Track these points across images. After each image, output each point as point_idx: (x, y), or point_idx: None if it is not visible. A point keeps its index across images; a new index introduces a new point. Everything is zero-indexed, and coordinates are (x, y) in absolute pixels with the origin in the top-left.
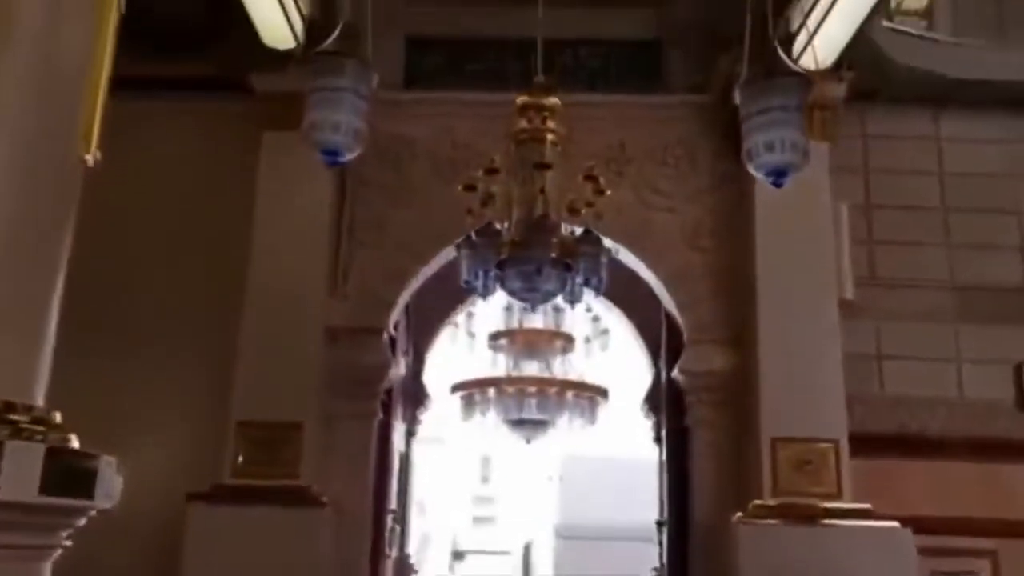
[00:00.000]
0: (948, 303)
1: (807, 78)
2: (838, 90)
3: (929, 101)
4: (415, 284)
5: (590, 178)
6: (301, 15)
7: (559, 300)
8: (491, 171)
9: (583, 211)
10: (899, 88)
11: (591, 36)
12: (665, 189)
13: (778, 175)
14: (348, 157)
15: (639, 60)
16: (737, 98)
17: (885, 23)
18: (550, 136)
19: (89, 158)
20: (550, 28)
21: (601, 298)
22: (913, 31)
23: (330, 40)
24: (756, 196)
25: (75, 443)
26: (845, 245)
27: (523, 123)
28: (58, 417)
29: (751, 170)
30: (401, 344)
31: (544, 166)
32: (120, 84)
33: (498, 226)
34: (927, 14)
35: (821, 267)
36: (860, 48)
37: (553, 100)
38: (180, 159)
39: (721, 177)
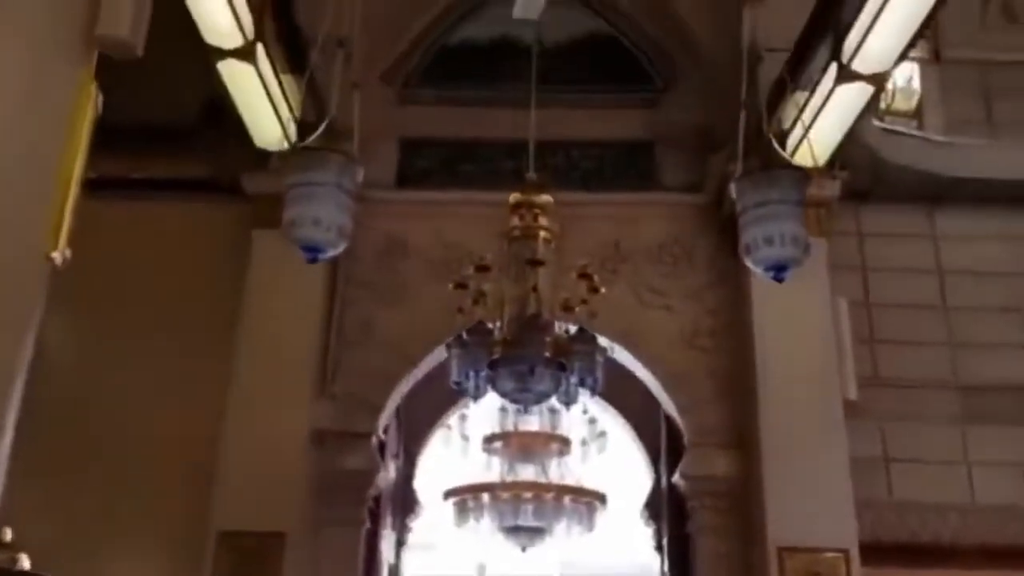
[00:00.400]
0: (954, 403)
1: (805, 172)
2: (832, 188)
3: (923, 199)
4: (405, 386)
5: (584, 276)
6: (294, 117)
7: (554, 401)
8: (482, 268)
9: (577, 309)
10: (892, 187)
11: (584, 137)
12: (661, 287)
13: (778, 270)
14: (331, 253)
15: (632, 160)
16: (733, 192)
17: (876, 123)
18: (543, 233)
19: (57, 255)
20: (543, 130)
21: (597, 398)
22: (905, 130)
23: (315, 136)
24: (753, 294)
25: (25, 563)
26: (847, 343)
27: (515, 220)
28: (8, 535)
29: (749, 264)
30: (391, 448)
31: (536, 263)
32: (110, 185)
33: (490, 325)
34: (917, 114)
35: (823, 366)
36: (852, 148)
37: (545, 197)
38: (167, 260)
39: (718, 275)
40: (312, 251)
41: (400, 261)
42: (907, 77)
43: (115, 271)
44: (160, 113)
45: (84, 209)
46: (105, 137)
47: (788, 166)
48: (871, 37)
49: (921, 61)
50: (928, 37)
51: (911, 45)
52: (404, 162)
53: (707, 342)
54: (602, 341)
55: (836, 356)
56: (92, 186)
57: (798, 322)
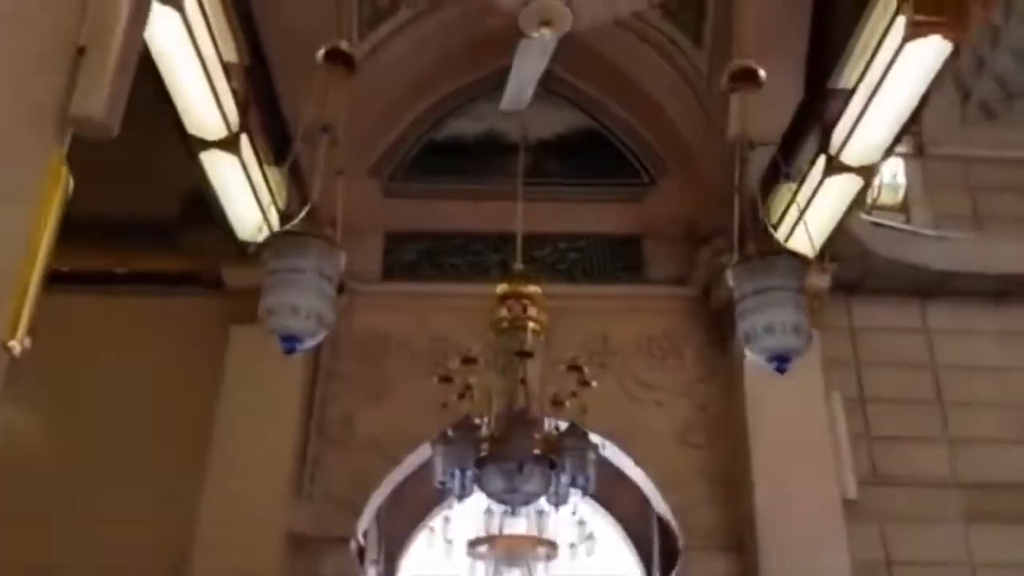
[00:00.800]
0: (956, 502)
1: (804, 258)
2: (823, 280)
3: (914, 292)
4: (387, 486)
5: (574, 368)
6: (277, 208)
7: (543, 502)
8: (469, 360)
9: (567, 403)
10: (882, 279)
11: (570, 231)
12: (651, 382)
13: (780, 360)
14: (309, 344)
15: (619, 253)
16: (730, 279)
17: (864, 216)
18: (532, 324)
19: (15, 344)
20: (529, 223)
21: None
22: (893, 223)
23: (296, 221)
24: (746, 389)
25: None
26: (843, 439)
27: (503, 311)
28: None
29: (749, 353)
30: (371, 553)
31: (526, 354)
32: (90, 279)
33: (476, 420)
34: (903, 208)
35: (820, 464)
36: (841, 240)
37: (533, 288)
38: (142, 356)
39: (708, 369)
40: (289, 341)
41: (383, 355)
42: (892, 172)
43: (90, 366)
44: (141, 207)
45: (62, 302)
46: (86, 231)
47: (785, 252)
48: (859, 130)
49: (905, 156)
50: (913, 133)
51: (898, 139)
52: (389, 255)
53: (699, 439)
54: (593, 438)
55: (833, 453)
56: (71, 279)
57: (793, 417)
